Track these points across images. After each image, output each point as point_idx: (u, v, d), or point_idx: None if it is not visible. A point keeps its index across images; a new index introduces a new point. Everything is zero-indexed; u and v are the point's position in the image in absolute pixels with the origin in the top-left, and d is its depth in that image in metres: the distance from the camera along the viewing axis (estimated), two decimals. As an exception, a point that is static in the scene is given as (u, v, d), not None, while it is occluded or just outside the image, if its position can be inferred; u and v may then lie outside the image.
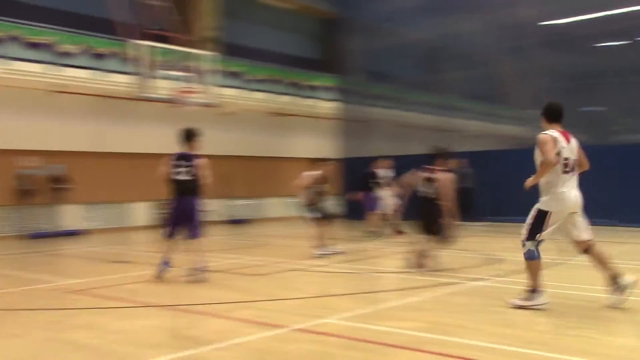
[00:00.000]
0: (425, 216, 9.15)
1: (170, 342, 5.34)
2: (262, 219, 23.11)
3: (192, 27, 17.83)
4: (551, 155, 6.13)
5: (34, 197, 17.46)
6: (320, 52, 29.45)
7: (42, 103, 17.51)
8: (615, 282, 6.34)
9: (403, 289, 7.70)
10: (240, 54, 23.11)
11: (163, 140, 20.16)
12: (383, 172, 15.65)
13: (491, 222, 18.28)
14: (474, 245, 12.38)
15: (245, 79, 21.87)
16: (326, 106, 24.57)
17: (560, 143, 6.23)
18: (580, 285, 7.75)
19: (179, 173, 8.92)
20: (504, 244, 13.13)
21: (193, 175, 8.92)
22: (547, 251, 11.36)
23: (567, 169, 6.27)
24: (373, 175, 15.53)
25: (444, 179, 9.25)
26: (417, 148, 21.28)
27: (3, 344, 5.45)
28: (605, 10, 18.39)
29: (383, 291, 7.69)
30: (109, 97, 18.50)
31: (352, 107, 23.23)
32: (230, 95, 21.10)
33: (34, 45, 16.53)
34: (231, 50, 23.73)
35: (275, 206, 24.08)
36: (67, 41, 17.21)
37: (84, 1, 20.56)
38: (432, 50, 24.17)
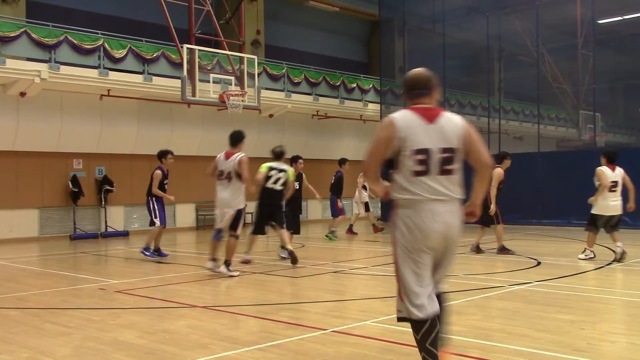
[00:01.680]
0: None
1: (211, 343, 5.37)
2: (305, 221, 23.16)
3: (237, 30, 17.97)
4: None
5: (83, 199, 17.91)
6: (364, 54, 29.42)
7: (90, 107, 17.95)
8: None
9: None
10: (284, 57, 23.23)
11: (207, 142, 20.52)
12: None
13: (537, 225, 17.93)
14: (515, 248, 12.14)
15: (289, 81, 21.95)
16: (370, 108, 24.49)
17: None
18: (627, 291, 7.50)
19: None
20: (549, 247, 12.85)
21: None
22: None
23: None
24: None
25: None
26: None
27: (48, 342, 5.57)
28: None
29: (424, 294, 7.59)
30: (155, 100, 18.85)
31: (396, 109, 23.07)
32: (274, 97, 21.22)
33: (84, 51, 16.93)
34: (275, 53, 23.90)
35: (317, 208, 24.12)
36: (115, 46, 17.58)
37: (131, 6, 21.03)
38: (478, 51, 23.86)
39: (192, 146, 19.93)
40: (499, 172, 11.45)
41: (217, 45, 18.02)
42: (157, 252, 11.77)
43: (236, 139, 9.59)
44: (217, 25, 17.50)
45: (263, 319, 6.33)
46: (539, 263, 10.20)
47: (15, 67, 15.74)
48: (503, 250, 11.54)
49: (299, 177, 12.22)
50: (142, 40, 18.34)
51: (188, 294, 8.14)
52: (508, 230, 15.90)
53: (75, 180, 17.79)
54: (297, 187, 11.87)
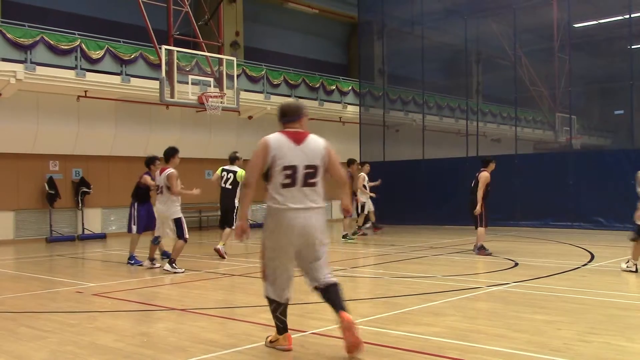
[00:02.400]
0: None
1: (190, 346, 5.35)
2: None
3: (215, 32, 17.91)
4: None
5: (60, 201, 17.72)
6: (343, 56, 29.49)
7: (67, 108, 17.76)
8: None
9: (422, 294, 7.63)
10: (264, 59, 23.20)
11: (186, 144, 20.39)
12: (366, 176, 16.49)
13: (514, 226, 18.11)
14: (493, 249, 12.25)
15: (268, 83, 21.92)
16: (349, 110, 24.54)
17: None
18: (605, 292, 7.60)
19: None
20: (526, 248, 12.98)
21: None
22: (568, 256, 11.24)
23: None
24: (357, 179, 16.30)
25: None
26: (439, 152, 21.22)
27: (24, 346, 5.50)
28: (635, 13, 18.06)
29: (402, 296, 7.62)
30: (133, 101, 18.70)
31: (375, 111, 23.20)
32: (253, 99, 21.18)
33: (60, 51, 16.74)
34: (254, 54, 23.86)
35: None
36: (93, 47, 17.42)
37: (109, 7, 20.84)
38: (456, 53, 24.04)
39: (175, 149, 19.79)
40: (485, 175, 11.69)
41: (196, 46, 17.94)
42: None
43: (167, 155, 10.44)
44: (196, 27, 17.43)
45: (242, 321, 6.31)
46: (516, 264, 10.30)
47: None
48: (481, 249, 11.71)
49: None
50: (119, 41, 18.19)
51: (167, 296, 8.09)
52: (486, 231, 16.05)
53: (51, 182, 17.59)
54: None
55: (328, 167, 5.07)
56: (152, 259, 10.81)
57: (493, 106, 27.90)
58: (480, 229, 11.73)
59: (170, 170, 10.26)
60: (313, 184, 4.97)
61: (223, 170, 12.42)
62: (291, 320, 6.25)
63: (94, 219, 18.74)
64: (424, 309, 6.75)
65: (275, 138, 5.03)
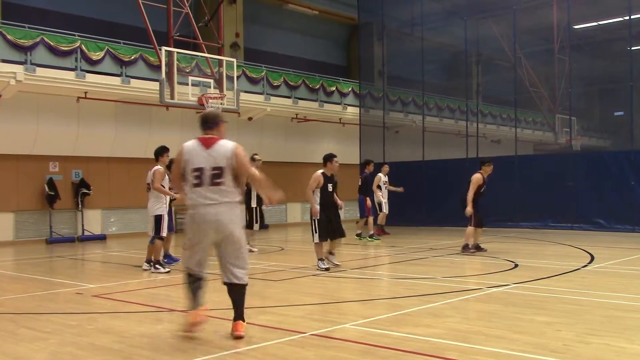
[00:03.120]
0: None
1: (190, 347, 5.34)
2: (283, 224, 23.17)
3: (215, 33, 17.92)
4: None
5: (60, 202, 17.71)
6: (343, 57, 29.50)
7: (67, 109, 17.76)
8: None
9: (421, 295, 7.63)
10: (264, 60, 23.21)
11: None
12: (384, 176, 16.81)
13: (514, 227, 18.11)
14: (493, 250, 12.25)
15: (268, 84, 21.94)
16: (349, 112, 24.55)
17: None
18: (605, 293, 7.60)
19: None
20: (526, 250, 12.98)
21: None
22: (568, 258, 11.24)
23: None
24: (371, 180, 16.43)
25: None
26: (439, 153, 21.22)
27: (24, 348, 5.50)
28: (635, 14, 18.07)
29: (401, 297, 7.62)
30: (133, 103, 18.70)
31: (375, 113, 23.21)
32: (253, 100, 21.19)
33: (60, 52, 16.75)
34: (254, 56, 23.87)
35: (296, 211, 24.14)
36: (93, 48, 17.43)
37: (109, 8, 20.86)
38: (456, 55, 24.06)
39: (170, 149, 19.77)
40: (477, 177, 11.80)
41: (196, 47, 17.94)
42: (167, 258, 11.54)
43: (157, 154, 10.70)
44: (196, 28, 17.44)
45: (242, 323, 6.30)
46: (516, 265, 10.30)
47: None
48: (465, 248, 12.03)
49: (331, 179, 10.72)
50: (119, 43, 18.20)
51: (166, 297, 8.09)
52: (486, 232, 16.05)
53: (51, 184, 17.59)
54: (331, 190, 10.56)
55: (235, 167, 5.59)
56: (148, 261, 10.78)
57: (493, 107, 27.92)
58: (469, 229, 12.00)
59: (157, 167, 10.48)
60: (219, 184, 5.53)
61: None
62: (292, 322, 6.26)
63: (94, 220, 18.74)
64: (424, 310, 6.75)
65: (189, 144, 5.81)
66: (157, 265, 10.36)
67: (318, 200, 10.18)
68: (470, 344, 5.22)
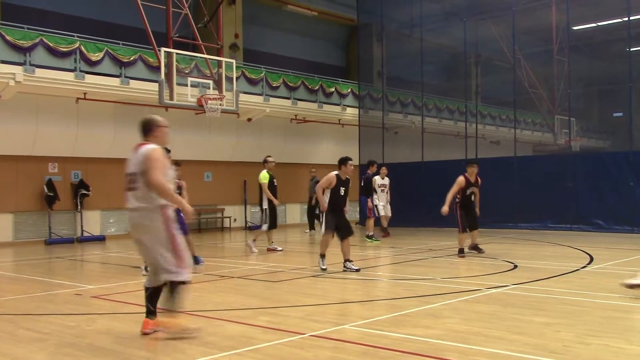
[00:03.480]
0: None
1: (188, 348, 5.34)
2: (282, 225, 23.15)
3: (215, 34, 17.91)
4: None
5: (59, 203, 17.70)
6: (342, 58, 29.51)
7: (66, 110, 17.76)
8: None
9: (421, 296, 7.63)
10: (263, 61, 23.21)
11: (185, 146, 20.41)
12: (381, 178, 16.61)
13: (513, 228, 18.12)
14: (492, 251, 12.25)
15: (268, 85, 21.94)
16: (348, 112, 24.56)
17: None
18: (605, 294, 7.60)
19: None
20: (525, 251, 12.98)
21: None
22: (567, 258, 11.25)
23: None
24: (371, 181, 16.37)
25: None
26: (438, 154, 21.23)
27: (23, 349, 5.50)
28: (634, 15, 18.08)
29: (400, 298, 7.63)
30: (132, 104, 18.69)
31: (374, 114, 23.22)
32: (253, 101, 21.18)
33: (60, 53, 16.75)
34: (253, 57, 23.88)
35: (295, 212, 24.14)
36: (92, 49, 17.43)
37: (108, 9, 20.86)
38: (455, 56, 24.08)
39: (171, 151, 19.77)
40: (458, 179, 11.84)
41: (195, 48, 17.93)
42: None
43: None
44: (195, 29, 17.42)
45: (241, 324, 6.31)
46: (515, 266, 10.30)
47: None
48: (461, 252, 11.88)
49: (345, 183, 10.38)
50: (119, 44, 18.20)
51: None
52: (485, 233, 16.05)
53: (50, 184, 17.58)
54: (343, 194, 10.24)
55: (144, 173, 5.62)
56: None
57: (492, 108, 27.93)
58: (459, 235, 11.92)
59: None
60: (133, 189, 5.69)
61: None
62: (291, 323, 6.26)
63: (93, 221, 18.73)
64: (423, 311, 6.75)
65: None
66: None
67: (327, 201, 10.04)
68: (470, 345, 5.22)
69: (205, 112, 16.70)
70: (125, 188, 5.76)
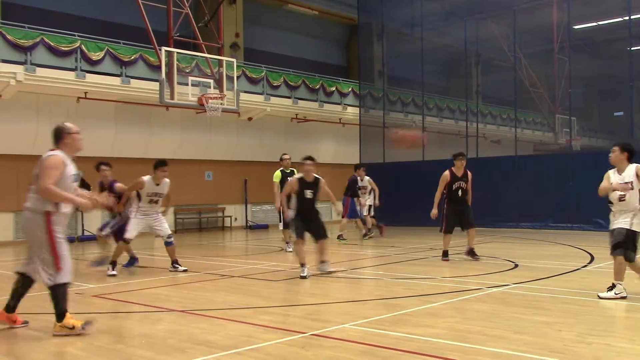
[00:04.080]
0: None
1: (190, 347, 5.34)
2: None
3: (215, 33, 17.91)
4: None
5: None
6: (342, 57, 29.50)
7: (67, 109, 17.75)
8: None
9: (422, 295, 7.63)
10: (263, 60, 23.21)
11: (185, 145, 20.42)
12: (360, 180, 16.14)
13: (514, 228, 18.11)
14: (493, 251, 12.24)
15: (268, 84, 21.94)
16: (349, 112, 24.56)
17: None
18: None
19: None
20: (525, 250, 12.98)
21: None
22: (568, 258, 11.23)
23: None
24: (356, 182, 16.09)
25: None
26: (439, 153, 21.22)
27: (23, 348, 5.50)
28: (635, 14, 18.06)
29: (401, 297, 7.62)
30: (133, 103, 18.70)
31: (375, 113, 23.21)
32: (253, 101, 21.19)
33: (60, 52, 16.75)
34: (254, 56, 23.87)
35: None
36: (93, 48, 17.43)
37: (109, 9, 20.85)
38: (456, 55, 24.06)
39: (170, 149, 19.80)
40: (444, 174, 11.22)
41: (196, 48, 17.95)
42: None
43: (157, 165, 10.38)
44: (196, 28, 17.44)
45: (242, 323, 6.31)
46: (516, 265, 10.29)
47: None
48: (445, 255, 11.20)
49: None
50: (119, 43, 18.20)
51: (166, 298, 8.09)
52: (485, 233, 16.05)
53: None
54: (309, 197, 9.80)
55: (37, 177, 5.99)
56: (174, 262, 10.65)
57: (493, 108, 27.91)
58: (443, 235, 11.21)
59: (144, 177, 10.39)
60: (29, 190, 6.07)
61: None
62: (292, 322, 6.26)
63: (93, 221, 18.72)
64: (424, 311, 6.75)
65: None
66: (175, 265, 10.45)
67: (294, 206, 9.63)
68: (471, 344, 5.22)
69: (206, 111, 16.72)
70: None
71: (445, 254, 11.22)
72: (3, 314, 6.11)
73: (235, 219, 22.69)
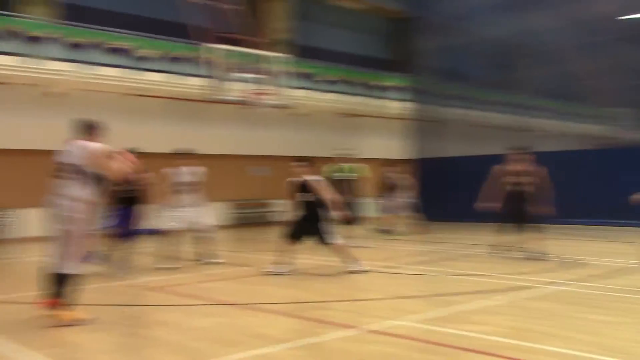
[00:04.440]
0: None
1: (244, 340, 5.39)
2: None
3: (264, 29, 18.03)
4: None
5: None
6: (391, 51, 29.30)
7: (120, 106, 18.14)
8: None
9: (478, 292, 7.52)
10: (312, 55, 23.24)
11: (235, 141, 20.62)
12: (398, 175, 16.22)
13: (567, 224, 17.67)
14: (551, 248, 11.96)
15: (316, 80, 21.98)
16: (397, 106, 24.39)
17: None
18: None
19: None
20: (583, 247, 12.67)
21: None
22: (630, 255, 10.91)
23: None
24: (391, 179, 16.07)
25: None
26: (490, 148, 20.87)
27: (84, 338, 5.65)
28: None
29: (458, 294, 7.53)
30: (183, 99, 18.98)
31: (424, 107, 22.99)
32: (301, 96, 21.25)
33: (114, 51, 17.17)
34: (302, 51, 23.91)
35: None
36: (145, 46, 17.78)
37: (160, 7, 21.20)
38: (507, 47, 23.62)
39: (218, 145, 20.01)
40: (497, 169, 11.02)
41: (246, 44, 18.09)
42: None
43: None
44: (246, 25, 17.57)
45: (294, 317, 6.34)
46: (576, 263, 10.05)
47: (47, 67, 16.06)
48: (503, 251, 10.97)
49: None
50: (169, 40, 18.51)
51: (219, 291, 8.19)
52: (548, 229, 15.69)
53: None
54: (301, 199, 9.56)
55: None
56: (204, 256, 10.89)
57: (548, 101, 27.29)
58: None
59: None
60: (68, 177, 6.10)
61: None
62: (347, 317, 6.27)
63: (150, 215, 19.07)
64: (479, 307, 6.66)
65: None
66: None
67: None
68: (527, 342, 5.12)
69: (254, 107, 16.84)
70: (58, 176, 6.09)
71: (506, 250, 10.95)
72: (50, 301, 6.12)
73: (282, 214, 22.80)
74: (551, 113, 27.60)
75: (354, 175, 13.27)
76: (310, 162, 9.46)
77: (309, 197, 9.21)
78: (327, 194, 9.29)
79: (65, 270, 5.94)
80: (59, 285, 5.94)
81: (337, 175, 13.14)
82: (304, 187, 9.24)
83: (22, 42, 15.85)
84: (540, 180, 11.09)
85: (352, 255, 9.42)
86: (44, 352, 5.11)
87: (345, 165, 13.36)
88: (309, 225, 9.25)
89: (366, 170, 13.50)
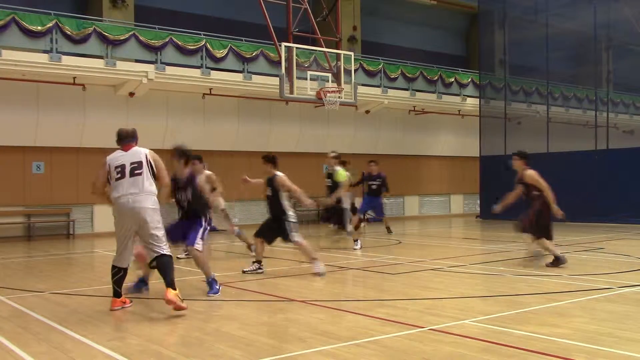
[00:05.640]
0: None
1: (309, 337, 5.44)
2: (401, 217, 23.02)
3: (333, 27, 18.06)
4: None
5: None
6: (462, 47, 28.84)
7: (194, 105, 18.62)
8: None
9: (546, 293, 7.32)
10: (381, 52, 23.14)
11: (305, 139, 20.78)
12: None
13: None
14: (625, 248, 11.50)
15: (386, 77, 21.86)
16: (469, 103, 23.97)
17: None
18: None
19: None
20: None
21: None
22: None
23: None
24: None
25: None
26: (565, 145, 20.22)
27: (156, 331, 5.83)
28: None
29: (525, 294, 7.34)
30: (254, 98, 19.29)
31: (496, 103, 22.50)
32: (372, 93, 21.19)
33: (187, 51, 17.61)
34: (372, 48, 23.85)
35: (414, 204, 23.90)
36: (217, 46, 18.16)
37: (232, 7, 21.61)
38: (584, 40, 22.80)
39: (289, 143, 20.26)
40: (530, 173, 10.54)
41: (314, 42, 18.18)
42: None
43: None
44: (314, 23, 17.64)
45: (360, 315, 6.35)
46: (651, 264, 9.63)
47: (125, 68, 16.63)
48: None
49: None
50: (242, 40, 18.83)
51: (286, 288, 8.28)
52: (617, 229, 15.10)
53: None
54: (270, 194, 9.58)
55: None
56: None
57: (625, 96, 26.20)
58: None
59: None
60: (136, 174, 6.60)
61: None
62: (410, 316, 6.23)
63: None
64: (549, 309, 6.48)
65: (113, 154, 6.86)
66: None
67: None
68: (600, 346, 4.95)
69: (324, 105, 16.89)
70: (118, 177, 6.58)
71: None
72: (169, 293, 6.37)
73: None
74: (631, 108, 26.48)
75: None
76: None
77: (270, 193, 9.44)
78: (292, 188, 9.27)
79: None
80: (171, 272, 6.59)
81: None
82: (269, 183, 9.34)
83: (103, 45, 16.48)
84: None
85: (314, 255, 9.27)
86: (112, 344, 5.31)
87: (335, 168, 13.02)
88: (272, 221, 9.33)
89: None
